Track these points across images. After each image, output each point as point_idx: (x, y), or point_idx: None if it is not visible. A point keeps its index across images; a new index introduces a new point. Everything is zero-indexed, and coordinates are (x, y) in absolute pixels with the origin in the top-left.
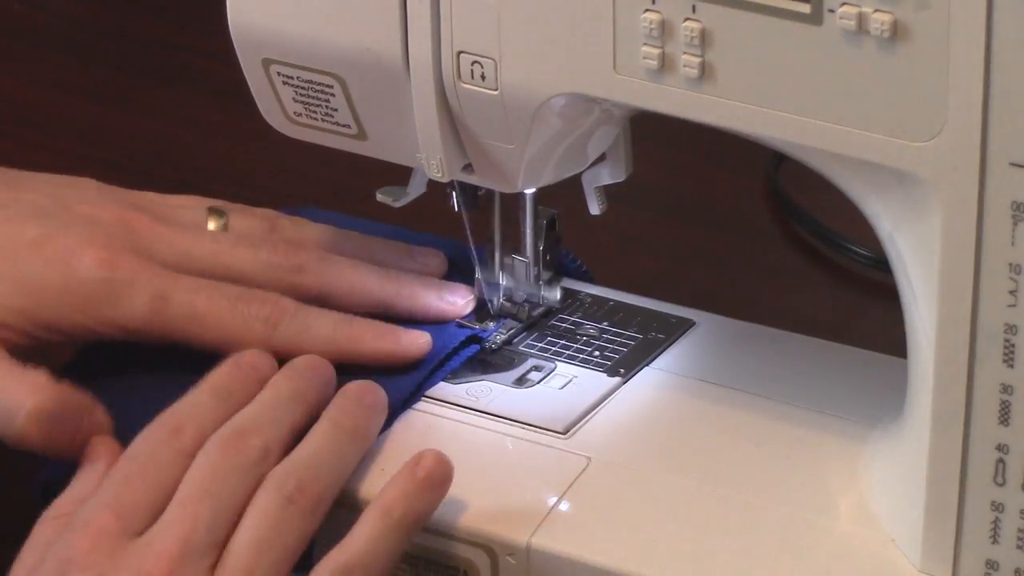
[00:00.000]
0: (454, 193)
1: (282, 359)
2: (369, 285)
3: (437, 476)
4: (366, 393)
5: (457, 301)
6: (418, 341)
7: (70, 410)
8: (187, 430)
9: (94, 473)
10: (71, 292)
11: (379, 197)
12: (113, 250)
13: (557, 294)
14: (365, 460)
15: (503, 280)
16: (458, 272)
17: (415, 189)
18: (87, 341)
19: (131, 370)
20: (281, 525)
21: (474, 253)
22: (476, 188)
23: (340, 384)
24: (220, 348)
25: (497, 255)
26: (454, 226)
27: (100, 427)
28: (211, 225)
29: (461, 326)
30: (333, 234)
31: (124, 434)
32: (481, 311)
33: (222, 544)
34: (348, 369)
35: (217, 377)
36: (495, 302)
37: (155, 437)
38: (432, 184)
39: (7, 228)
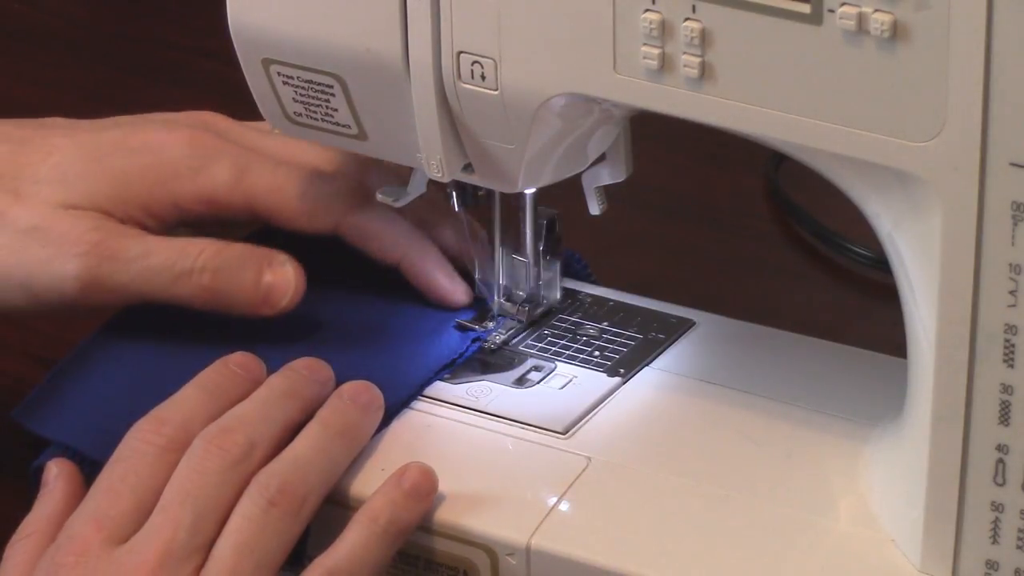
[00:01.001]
0: (454, 193)
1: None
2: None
3: (422, 487)
4: (361, 393)
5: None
6: (464, 290)
7: (248, 256)
8: (171, 424)
9: (56, 491)
10: (157, 171)
11: (379, 197)
12: (193, 133)
13: (557, 293)
14: (364, 459)
15: (502, 280)
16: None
17: (415, 189)
18: (174, 225)
19: (132, 367)
20: (264, 528)
21: (477, 252)
22: (476, 188)
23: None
24: (298, 222)
25: (497, 255)
26: None
27: (284, 267)
28: None
29: (462, 327)
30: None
31: (125, 429)
32: (481, 311)
33: (207, 546)
34: (345, 369)
35: (204, 375)
36: (494, 302)
37: (140, 436)
38: (432, 184)
39: (90, 136)
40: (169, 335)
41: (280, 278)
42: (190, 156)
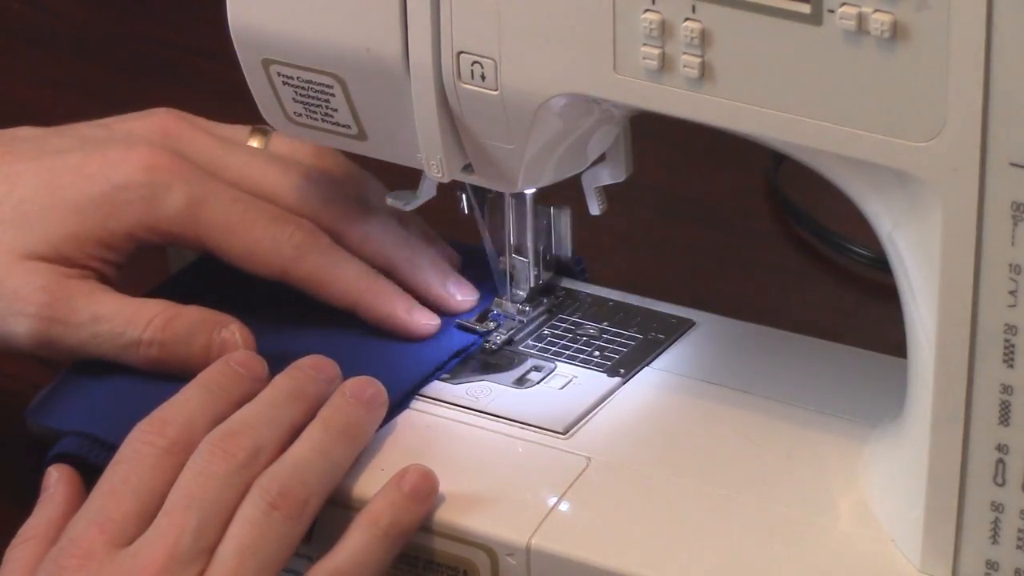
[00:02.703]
0: (464, 196)
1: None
2: (385, 241)
3: (423, 490)
4: (363, 389)
5: (456, 295)
6: (428, 322)
7: (198, 325)
8: (173, 425)
9: (56, 495)
10: (111, 201)
11: (389, 201)
12: (151, 152)
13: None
14: (364, 459)
15: (515, 282)
16: (471, 277)
17: (425, 193)
18: (131, 253)
19: (131, 371)
20: (266, 531)
21: (489, 255)
22: (486, 191)
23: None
24: (247, 264)
25: (508, 257)
26: (462, 230)
27: (233, 335)
28: (253, 142)
29: (462, 327)
30: (372, 184)
31: (139, 414)
32: (483, 311)
33: (210, 551)
34: (346, 365)
35: (206, 374)
36: (510, 303)
37: (141, 437)
38: (442, 187)
39: (52, 161)
40: None
41: (230, 342)
42: (144, 183)
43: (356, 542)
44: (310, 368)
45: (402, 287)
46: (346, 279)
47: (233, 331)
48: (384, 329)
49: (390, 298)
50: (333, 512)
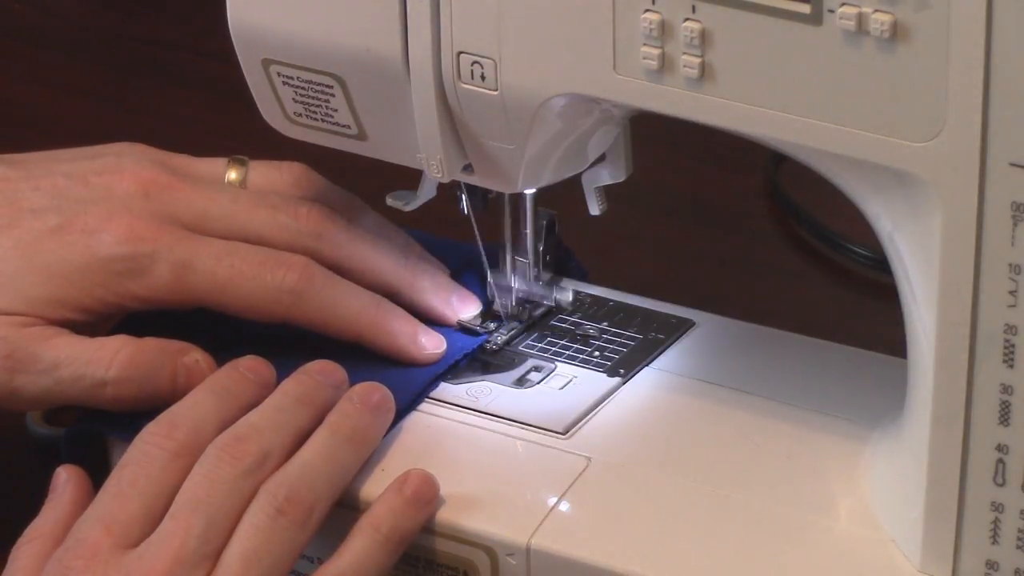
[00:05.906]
0: (463, 196)
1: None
2: (385, 267)
3: (424, 495)
4: (370, 394)
5: (461, 310)
6: (434, 350)
7: (160, 357)
8: (182, 428)
9: (64, 496)
10: (94, 271)
11: (389, 202)
12: (131, 221)
13: (569, 295)
14: (366, 460)
15: (515, 283)
16: (469, 277)
17: (425, 193)
18: (117, 317)
19: None
20: (271, 536)
21: (484, 256)
22: (486, 191)
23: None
24: (249, 317)
25: (508, 257)
26: (462, 230)
27: (197, 363)
28: (231, 174)
29: (464, 328)
30: (356, 207)
31: (139, 419)
32: (484, 312)
33: (216, 555)
34: (353, 370)
35: (214, 379)
36: (508, 304)
37: (150, 439)
38: (441, 187)
39: (29, 221)
40: (179, 337)
41: (195, 369)
42: (128, 256)
43: (357, 547)
44: (317, 373)
45: (405, 308)
46: (347, 316)
47: (195, 358)
48: (390, 357)
49: (394, 330)
50: (333, 512)
